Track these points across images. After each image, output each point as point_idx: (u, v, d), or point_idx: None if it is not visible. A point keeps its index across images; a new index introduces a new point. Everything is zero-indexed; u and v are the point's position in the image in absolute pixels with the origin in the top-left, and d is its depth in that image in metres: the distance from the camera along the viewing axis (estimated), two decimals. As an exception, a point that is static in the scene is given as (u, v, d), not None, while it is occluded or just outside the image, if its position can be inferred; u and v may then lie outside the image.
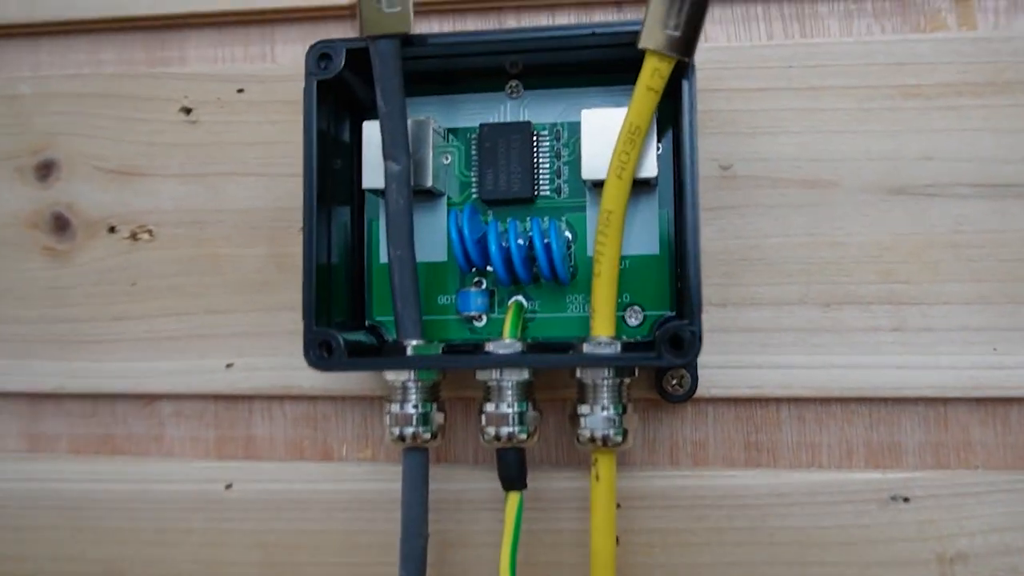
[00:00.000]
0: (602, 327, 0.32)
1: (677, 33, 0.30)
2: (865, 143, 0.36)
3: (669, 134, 0.35)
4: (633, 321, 0.35)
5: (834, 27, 0.38)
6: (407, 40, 0.33)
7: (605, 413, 0.33)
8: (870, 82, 0.36)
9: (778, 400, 0.37)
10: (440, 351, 0.34)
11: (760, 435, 0.37)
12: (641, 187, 0.35)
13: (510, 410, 0.33)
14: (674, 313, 0.35)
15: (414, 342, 0.33)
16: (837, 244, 0.36)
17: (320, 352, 0.33)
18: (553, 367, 0.35)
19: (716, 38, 0.38)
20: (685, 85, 0.31)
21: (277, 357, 0.40)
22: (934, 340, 0.36)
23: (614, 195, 0.31)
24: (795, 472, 0.36)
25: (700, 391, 0.37)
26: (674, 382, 0.36)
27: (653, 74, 0.30)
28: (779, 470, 0.37)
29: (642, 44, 0.30)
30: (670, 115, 0.35)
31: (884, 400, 0.36)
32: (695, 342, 0.31)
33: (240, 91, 0.41)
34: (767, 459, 0.37)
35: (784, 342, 0.36)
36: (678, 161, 0.34)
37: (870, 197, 0.36)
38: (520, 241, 0.34)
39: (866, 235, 0.36)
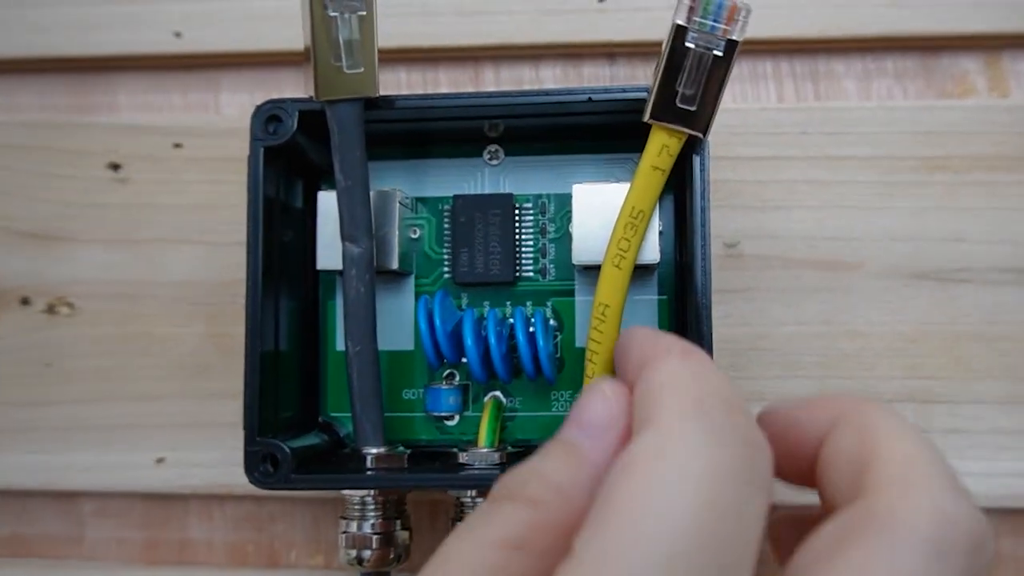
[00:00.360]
0: (596, 437, 0.28)
1: (691, 107, 0.26)
2: (888, 221, 0.32)
3: (668, 204, 0.31)
4: (628, 424, 0.30)
5: (851, 88, 0.34)
6: (371, 103, 0.28)
7: (599, 538, 0.28)
8: (894, 152, 0.32)
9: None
10: (405, 460, 0.29)
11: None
12: (639, 271, 0.30)
13: (488, 533, 0.28)
14: (675, 414, 0.30)
15: (374, 450, 0.29)
16: (856, 334, 0.32)
17: (264, 467, 0.28)
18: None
19: (719, 98, 0.34)
20: (696, 162, 0.27)
21: (216, 451, 0.35)
22: (963, 443, 0.32)
23: (611, 287, 0.27)
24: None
25: (701, 498, 0.32)
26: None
27: (661, 152, 0.26)
28: (788, 586, 0.32)
29: (649, 117, 0.26)
30: (671, 183, 0.30)
31: (907, 510, 0.32)
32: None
33: (178, 146, 0.36)
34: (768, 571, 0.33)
35: (797, 445, 0.32)
36: (682, 243, 0.30)
37: (893, 282, 0.32)
38: (500, 331, 0.29)
39: (889, 325, 0.32)
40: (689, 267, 0.27)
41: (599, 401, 0.22)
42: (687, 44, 0.25)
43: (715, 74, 0.25)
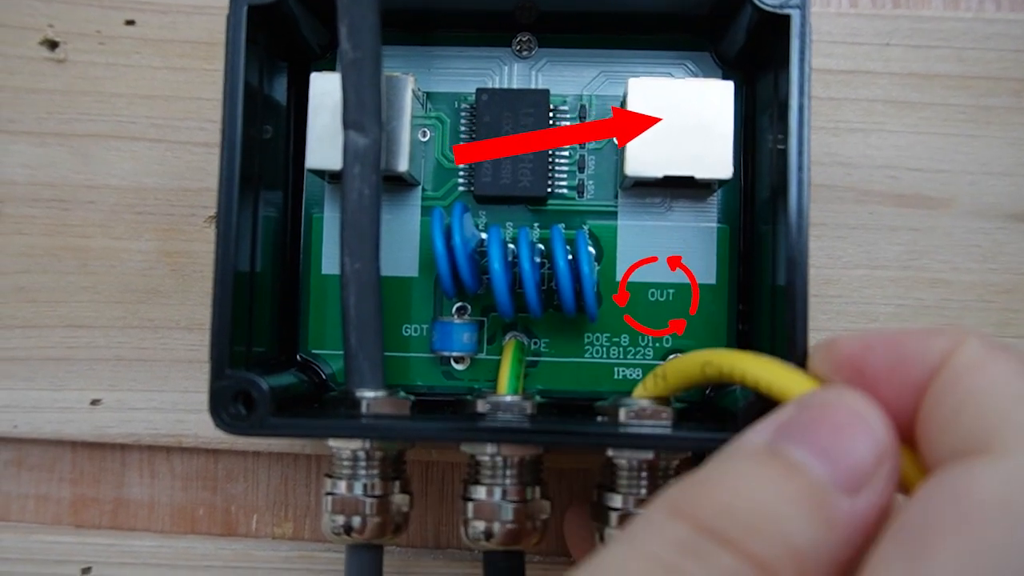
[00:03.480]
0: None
1: None
2: (982, 152, 0.28)
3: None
4: (676, 375, 0.25)
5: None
6: (389, -42, 0.22)
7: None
8: (991, 72, 0.28)
9: (847, 482, 0.28)
10: (409, 408, 0.24)
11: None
12: (697, 192, 0.25)
13: (509, 502, 0.23)
14: (731, 366, 0.25)
15: (371, 394, 0.23)
16: (939, 282, 0.28)
17: (235, 408, 0.22)
18: (584, 447, 0.25)
19: (786, -1, 0.29)
20: (794, 47, 0.22)
21: (164, 392, 0.29)
22: (1053, 414, 0.27)
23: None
24: None
25: (746, 467, 0.27)
26: (720, 457, 0.27)
27: None
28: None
29: None
30: (743, 90, 0.25)
31: (983, 489, 0.28)
32: (797, 422, 0.21)
33: (130, 23, 0.30)
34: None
35: (865, 408, 0.27)
36: (749, 159, 0.25)
37: (986, 224, 0.28)
38: (535, 258, 0.24)
39: (977, 272, 0.28)
40: (779, 190, 0.22)
41: (863, 434, 0.16)
42: None
43: None
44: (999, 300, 0.28)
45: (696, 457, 0.27)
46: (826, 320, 0.28)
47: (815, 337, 0.27)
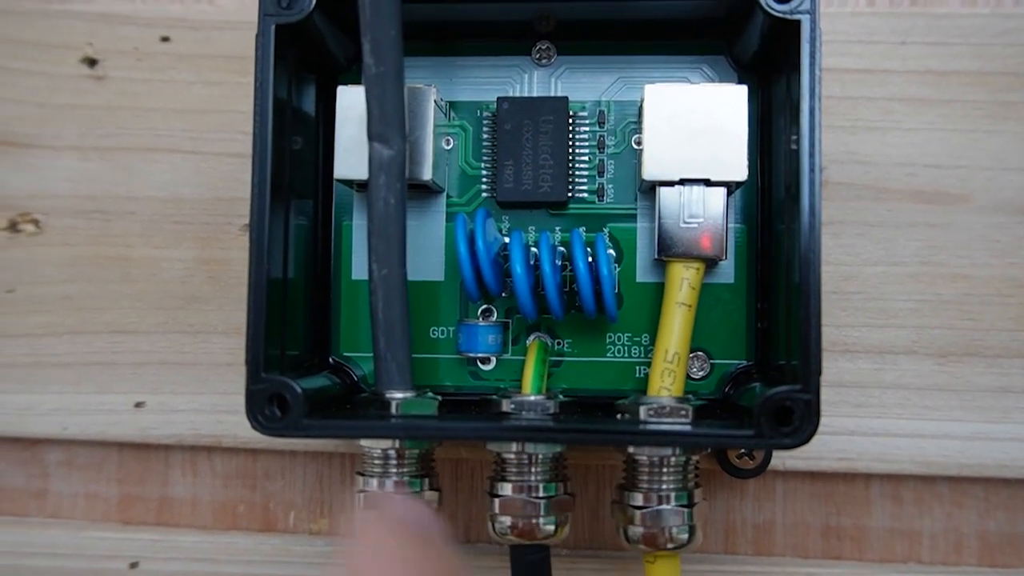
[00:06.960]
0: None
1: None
2: (1000, 147, 0.28)
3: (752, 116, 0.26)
4: (697, 372, 0.26)
5: (953, -4, 0.29)
6: (409, -26, 0.23)
7: (667, 506, 0.24)
8: (1008, 68, 0.28)
9: (869, 476, 0.29)
10: (436, 408, 0.25)
11: (843, 518, 0.29)
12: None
13: (534, 498, 0.24)
14: (751, 363, 0.26)
15: (400, 395, 0.24)
16: (959, 277, 0.28)
17: (270, 410, 0.23)
18: (606, 444, 0.26)
19: None
20: (804, 51, 0.22)
21: (204, 395, 0.31)
22: (1077, 407, 0.28)
23: None
24: (887, 568, 0.29)
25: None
26: (743, 453, 0.28)
27: (682, 286, 0.24)
28: (866, 564, 0.29)
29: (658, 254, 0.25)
30: (759, 93, 0.26)
31: (1005, 481, 0.28)
32: (811, 417, 0.22)
33: (165, 39, 0.31)
34: (851, 550, 0.29)
35: (885, 402, 0.28)
36: (765, 162, 0.26)
37: (1005, 219, 0.28)
38: (554, 258, 0.25)
39: (997, 268, 0.28)
40: (793, 190, 0.23)
41: None
42: None
43: None
44: (1018, 294, 0.28)
45: (716, 453, 0.28)
46: (846, 316, 0.28)
47: (833, 333, 0.28)
